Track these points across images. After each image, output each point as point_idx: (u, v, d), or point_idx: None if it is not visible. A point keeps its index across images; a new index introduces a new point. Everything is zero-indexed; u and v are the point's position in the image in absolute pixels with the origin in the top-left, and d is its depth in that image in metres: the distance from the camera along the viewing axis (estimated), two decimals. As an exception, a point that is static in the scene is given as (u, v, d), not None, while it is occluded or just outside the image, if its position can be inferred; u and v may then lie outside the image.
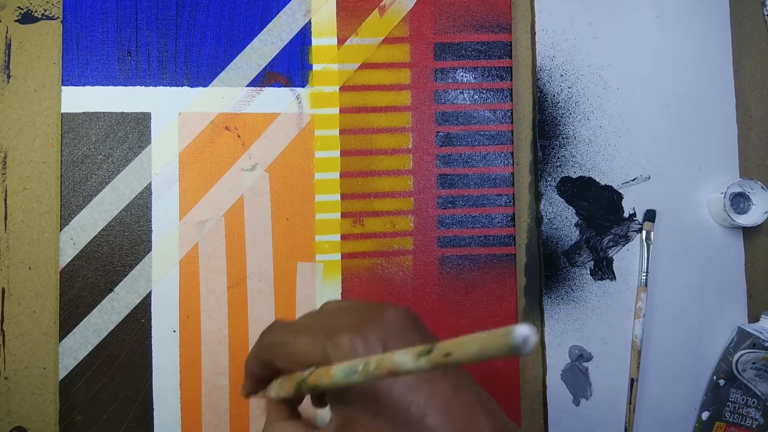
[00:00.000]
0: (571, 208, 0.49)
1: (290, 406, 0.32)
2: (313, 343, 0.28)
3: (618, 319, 0.49)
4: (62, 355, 0.46)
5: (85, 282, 0.47)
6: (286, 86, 0.49)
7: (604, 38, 0.51)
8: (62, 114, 0.48)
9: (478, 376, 0.47)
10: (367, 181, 0.49)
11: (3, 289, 0.47)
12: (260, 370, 0.32)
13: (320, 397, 0.33)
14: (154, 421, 0.46)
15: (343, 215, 0.48)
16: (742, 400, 0.47)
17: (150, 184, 0.48)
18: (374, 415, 0.27)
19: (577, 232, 0.49)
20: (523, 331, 0.22)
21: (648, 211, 0.49)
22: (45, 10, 0.49)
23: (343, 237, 0.48)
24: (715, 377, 0.48)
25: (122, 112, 0.48)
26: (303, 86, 0.49)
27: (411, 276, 0.48)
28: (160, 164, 0.48)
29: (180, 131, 0.48)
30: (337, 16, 0.49)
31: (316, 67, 0.49)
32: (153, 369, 0.46)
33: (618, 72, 0.50)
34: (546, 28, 0.50)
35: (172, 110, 0.48)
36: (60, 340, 0.46)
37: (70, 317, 0.46)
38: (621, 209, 0.50)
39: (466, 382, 0.28)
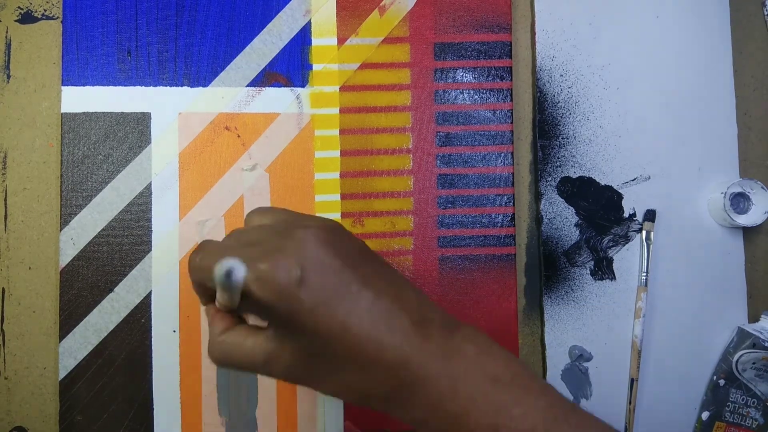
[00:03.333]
0: (571, 208, 0.49)
1: (235, 314, 0.34)
2: None
3: (618, 319, 0.49)
4: (62, 355, 0.46)
5: (85, 282, 0.47)
6: (286, 86, 0.49)
7: (604, 38, 0.51)
8: (62, 114, 0.48)
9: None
10: (367, 181, 0.49)
11: (3, 289, 0.47)
12: (198, 288, 0.34)
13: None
14: (154, 421, 0.46)
15: (343, 215, 0.48)
16: (742, 400, 0.47)
17: (150, 184, 0.48)
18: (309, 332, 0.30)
19: (577, 232, 0.49)
20: (225, 264, 0.27)
21: (648, 211, 0.49)
22: (45, 10, 0.49)
23: (343, 237, 0.48)
24: (715, 377, 0.48)
25: (122, 112, 0.48)
26: (303, 86, 0.49)
27: (411, 276, 0.48)
28: (160, 164, 0.48)
29: (180, 131, 0.48)
30: (337, 16, 0.49)
31: (316, 67, 0.49)
32: (153, 369, 0.46)
33: (618, 72, 0.50)
34: (546, 28, 0.50)
35: (172, 110, 0.48)
36: (60, 340, 0.46)
37: (70, 317, 0.46)
38: (621, 209, 0.50)
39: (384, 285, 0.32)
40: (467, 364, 0.31)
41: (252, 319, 0.34)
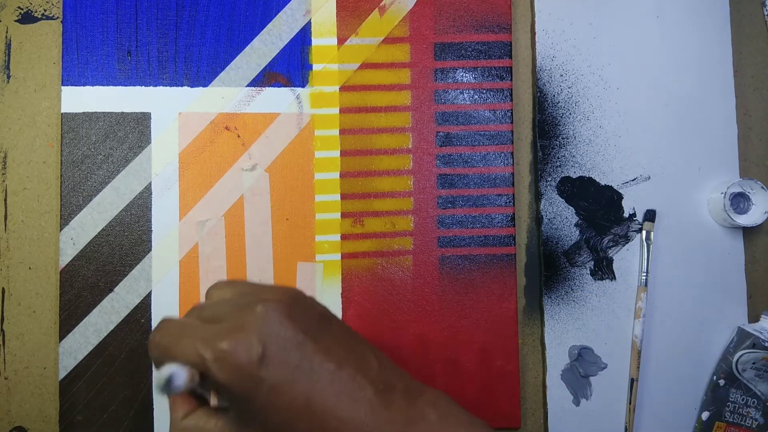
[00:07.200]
0: (571, 208, 0.49)
1: (195, 396, 0.33)
2: (192, 350, 0.30)
3: (618, 319, 0.49)
4: (62, 355, 0.46)
5: (85, 282, 0.47)
6: (286, 86, 0.49)
7: (604, 38, 0.51)
8: (62, 114, 0.48)
9: (480, 378, 0.47)
10: (367, 181, 0.49)
11: (3, 289, 0.47)
12: (157, 366, 0.33)
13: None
14: (154, 421, 0.46)
15: (343, 215, 0.48)
16: (742, 400, 0.47)
17: (150, 184, 0.48)
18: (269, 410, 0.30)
19: (577, 232, 0.49)
20: (165, 371, 0.27)
21: (648, 211, 0.49)
22: (45, 10, 0.49)
23: (343, 237, 0.48)
24: (715, 377, 0.48)
25: (122, 112, 0.48)
26: (303, 86, 0.49)
27: (411, 276, 0.48)
28: (160, 164, 0.48)
29: (180, 131, 0.48)
30: (337, 16, 0.49)
31: (316, 67, 0.49)
32: (153, 369, 0.46)
33: (618, 72, 0.50)
34: (546, 28, 0.50)
35: (172, 110, 0.48)
36: (60, 340, 0.46)
37: (70, 317, 0.46)
38: (621, 209, 0.50)
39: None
40: (428, 430, 0.31)
41: (214, 398, 0.33)
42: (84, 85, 0.48)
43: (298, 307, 0.32)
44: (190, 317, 0.33)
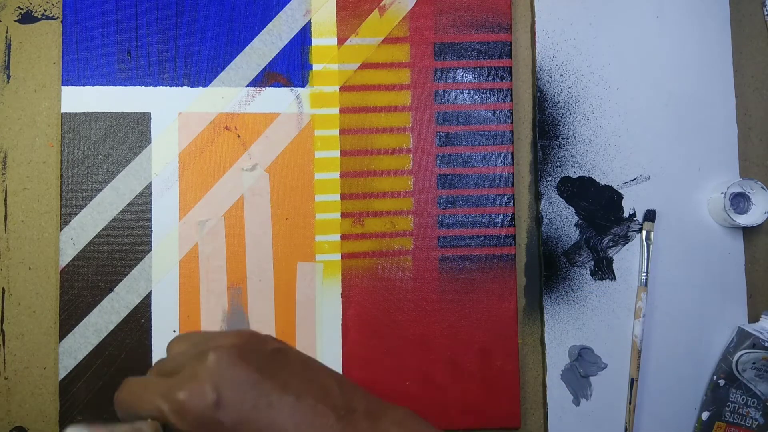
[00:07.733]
0: (571, 208, 0.49)
1: None
2: (152, 404, 0.31)
3: (618, 319, 0.49)
4: (62, 355, 0.46)
5: (85, 282, 0.47)
6: (286, 86, 0.49)
7: (604, 38, 0.51)
8: (62, 114, 0.48)
9: (480, 378, 0.47)
10: (367, 181, 0.49)
11: (3, 289, 0.47)
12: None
13: None
14: (154, 421, 0.46)
15: (343, 215, 0.48)
16: (742, 400, 0.47)
17: (150, 184, 0.48)
18: None
19: (577, 232, 0.49)
20: None
21: (648, 211, 0.49)
22: (45, 10, 0.49)
23: (343, 237, 0.48)
24: (715, 377, 0.48)
25: (122, 112, 0.48)
26: (303, 86, 0.49)
27: (411, 276, 0.48)
28: (160, 164, 0.48)
29: (180, 131, 0.48)
30: (337, 16, 0.49)
31: (316, 67, 0.49)
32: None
33: (618, 72, 0.50)
34: (546, 28, 0.50)
35: (172, 110, 0.48)
36: (60, 340, 0.46)
37: (70, 317, 0.46)
38: (621, 209, 0.50)
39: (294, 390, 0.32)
40: None
41: None
42: (84, 85, 0.48)
43: (250, 347, 0.33)
44: (151, 373, 0.34)
